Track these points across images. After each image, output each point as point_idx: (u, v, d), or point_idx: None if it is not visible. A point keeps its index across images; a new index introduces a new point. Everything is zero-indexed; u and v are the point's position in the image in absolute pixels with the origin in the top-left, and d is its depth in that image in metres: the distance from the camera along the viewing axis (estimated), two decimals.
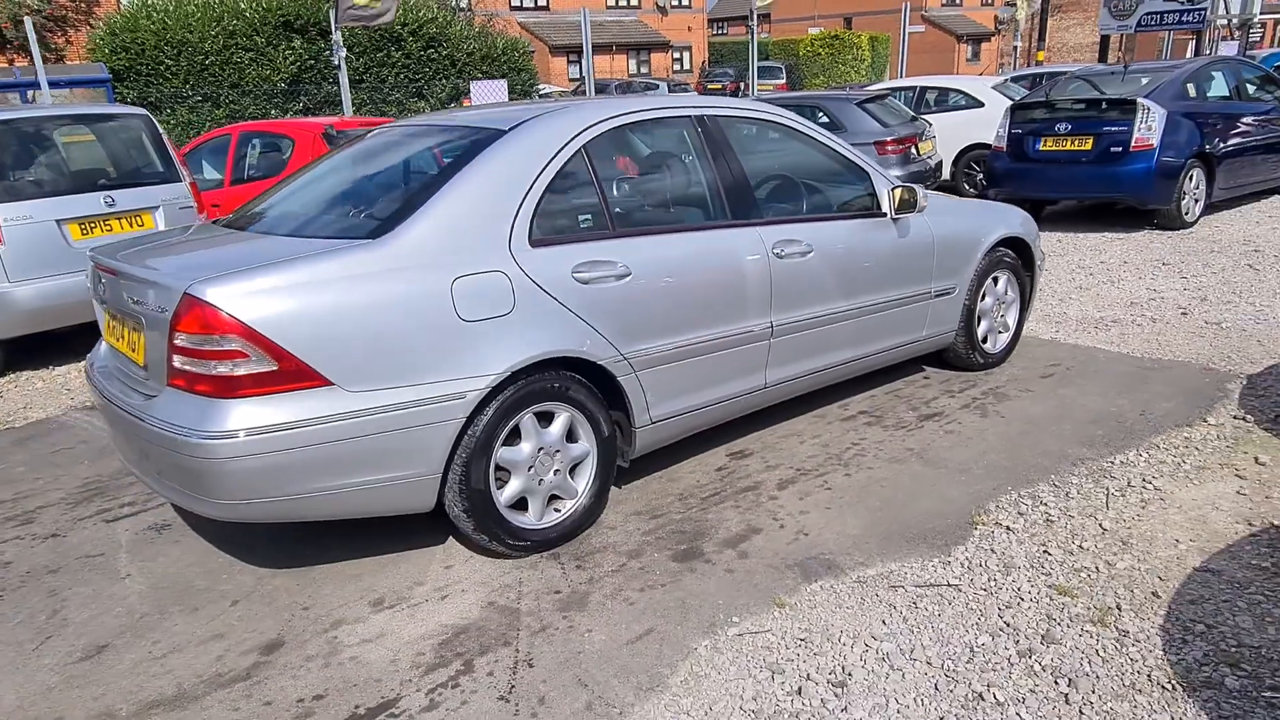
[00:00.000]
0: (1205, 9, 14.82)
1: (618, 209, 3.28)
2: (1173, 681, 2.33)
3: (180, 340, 2.58)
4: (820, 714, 2.27)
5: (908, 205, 3.98)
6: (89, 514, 3.60)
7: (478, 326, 2.82)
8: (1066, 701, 2.28)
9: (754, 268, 3.50)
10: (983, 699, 2.30)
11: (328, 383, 2.61)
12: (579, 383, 3.07)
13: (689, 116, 3.53)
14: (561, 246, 3.04)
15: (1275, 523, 3.12)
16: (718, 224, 3.47)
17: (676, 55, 39.90)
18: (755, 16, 13.90)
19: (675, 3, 39.99)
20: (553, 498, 3.12)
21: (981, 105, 11.39)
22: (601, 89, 28.85)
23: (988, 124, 10.70)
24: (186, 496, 2.70)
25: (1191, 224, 8.64)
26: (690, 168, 3.50)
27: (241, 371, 2.53)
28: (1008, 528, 3.16)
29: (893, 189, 4.00)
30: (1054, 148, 8.68)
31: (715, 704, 2.32)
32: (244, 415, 2.54)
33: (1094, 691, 2.31)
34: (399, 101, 20.40)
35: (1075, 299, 6.27)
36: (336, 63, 10.26)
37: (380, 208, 3.08)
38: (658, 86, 29.36)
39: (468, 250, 2.86)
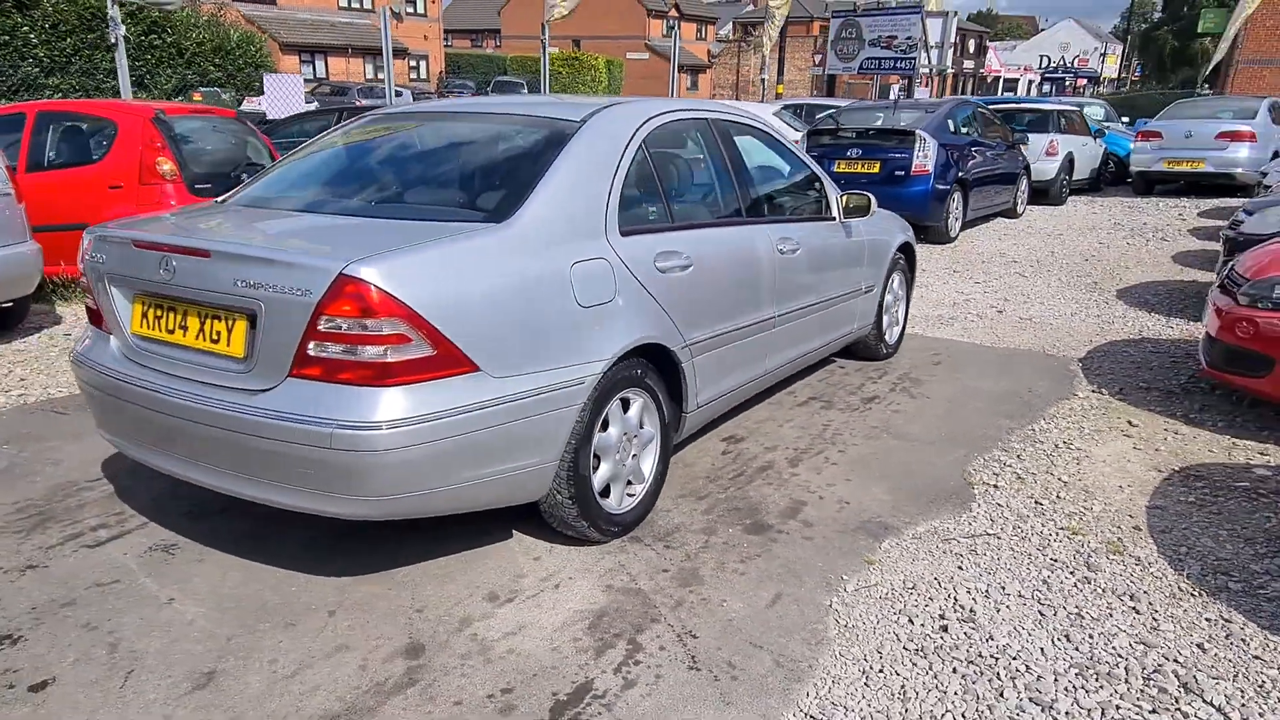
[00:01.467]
0: (915, 59, 17.24)
1: (673, 202, 3.41)
2: (1197, 590, 2.92)
3: (327, 325, 2.38)
4: (972, 642, 2.59)
5: (861, 210, 4.45)
6: (56, 541, 3.07)
7: (591, 311, 2.84)
8: (1137, 612, 2.78)
9: (767, 262, 3.77)
10: (1082, 616, 2.74)
11: (475, 368, 2.52)
12: (652, 369, 3.16)
13: (706, 119, 3.74)
14: (641, 236, 3.12)
15: (1175, 467, 3.92)
16: (741, 220, 3.71)
17: (413, 63, 38.94)
18: (547, 30, 14.12)
19: (410, 10, 39.06)
20: (625, 482, 3.19)
21: None
22: (341, 92, 27.54)
23: None
24: (319, 497, 2.47)
25: (954, 239, 10.11)
26: (716, 166, 3.71)
27: (399, 357, 2.39)
28: (996, 486, 3.68)
29: (840, 195, 4.46)
30: (847, 169, 9.77)
31: (881, 648, 2.56)
32: (401, 404, 2.39)
33: (1152, 602, 2.83)
34: (115, 90, 18.25)
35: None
36: (113, 40, 9.07)
37: (481, 190, 2.99)
38: (402, 94, 28.50)
39: (579, 236, 2.88)
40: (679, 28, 21.14)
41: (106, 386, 2.88)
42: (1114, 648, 2.58)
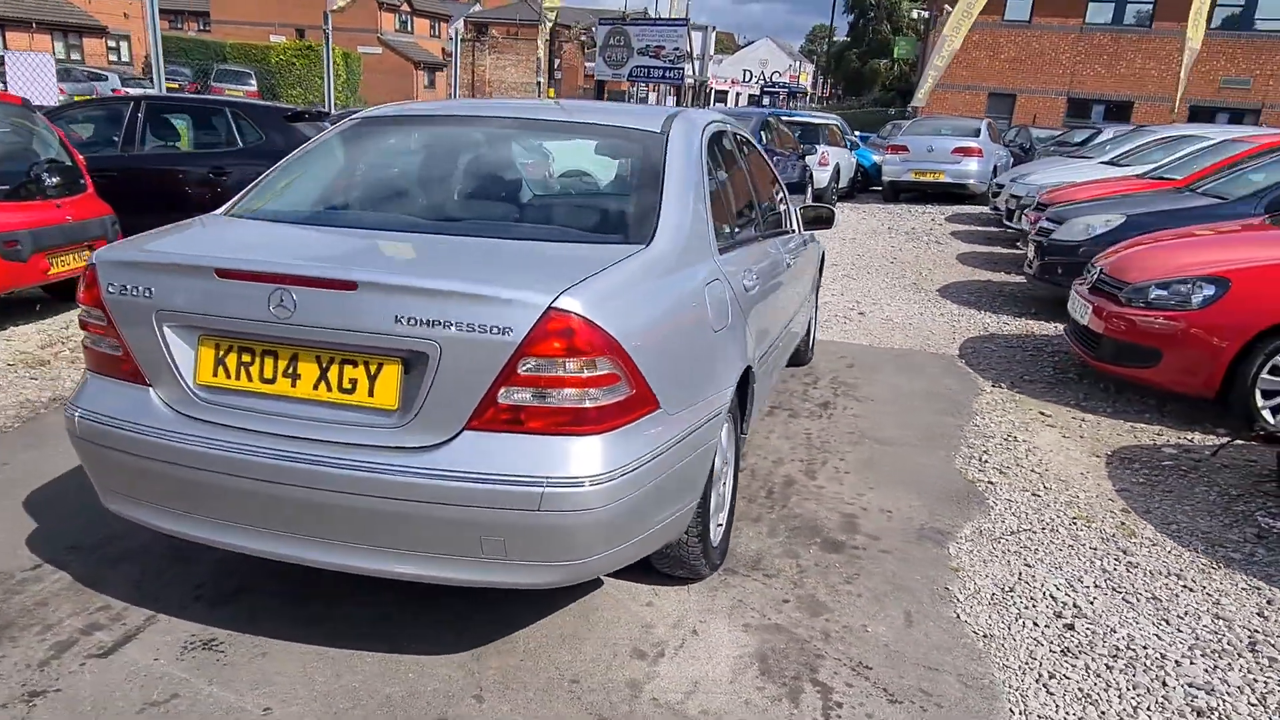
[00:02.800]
0: (683, 69, 17.99)
1: (732, 217, 3.28)
2: (1215, 564, 3.29)
3: (528, 367, 2.02)
4: (1100, 637, 2.74)
5: (825, 222, 4.54)
6: (46, 655, 2.37)
7: (720, 336, 2.67)
8: (1191, 590, 3.08)
9: (783, 277, 3.75)
10: (1159, 599, 2.99)
11: (657, 406, 2.26)
12: (736, 394, 3.04)
13: (728, 127, 3.63)
14: (730, 254, 2.98)
15: (1105, 452, 4.40)
16: (763, 234, 3.65)
17: (113, 44, 34.33)
18: (329, 18, 12.97)
19: None
20: None
21: None
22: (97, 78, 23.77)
23: None
24: (503, 567, 2.12)
25: None
26: (742, 178, 3.61)
27: (607, 400, 2.10)
28: (991, 482, 3.93)
29: (799, 208, 4.54)
30: None
31: (1033, 654, 2.64)
32: (609, 453, 2.11)
33: (1196, 579, 3.15)
34: None
35: None
36: None
37: (604, 209, 2.69)
38: (106, 78, 25.10)
39: (700, 256, 2.68)
40: (412, 22, 20.44)
41: (147, 449, 2.27)
42: (1205, 626, 2.85)
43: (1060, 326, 6.47)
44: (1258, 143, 8.18)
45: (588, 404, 2.09)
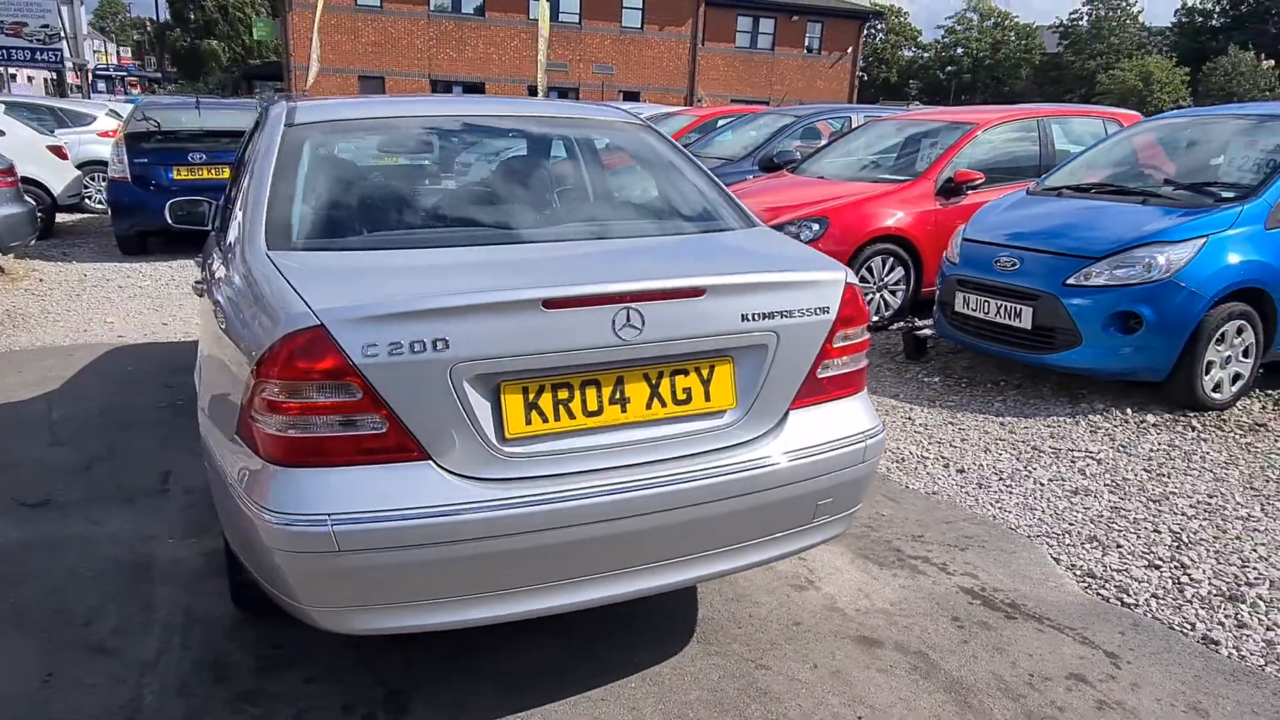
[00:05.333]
0: (60, 50, 15.06)
1: None
2: (905, 395, 4.78)
3: (840, 340, 2.39)
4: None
5: None
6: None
7: None
8: (896, 406, 4.49)
9: None
10: (884, 406, 4.32)
11: None
12: None
13: None
14: None
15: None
16: None
17: None
18: None
19: None
20: None
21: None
22: None
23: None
24: (820, 529, 2.44)
25: None
26: None
27: (865, 363, 2.54)
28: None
29: None
30: (190, 176, 8.79)
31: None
32: (870, 405, 2.53)
33: (895, 404, 4.58)
34: None
35: None
36: None
37: (676, 199, 2.91)
38: None
39: None
40: None
41: (444, 533, 1.93)
42: (897, 423, 4.26)
43: None
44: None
45: (863, 364, 2.47)
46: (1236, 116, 5.92)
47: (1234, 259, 4.70)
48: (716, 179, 3.05)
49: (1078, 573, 3.15)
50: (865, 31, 40.34)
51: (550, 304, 2.00)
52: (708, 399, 2.21)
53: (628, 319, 2.05)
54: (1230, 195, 4.97)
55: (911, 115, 8.69)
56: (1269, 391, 5.13)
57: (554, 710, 2.35)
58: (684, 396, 2.19)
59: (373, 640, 2.59)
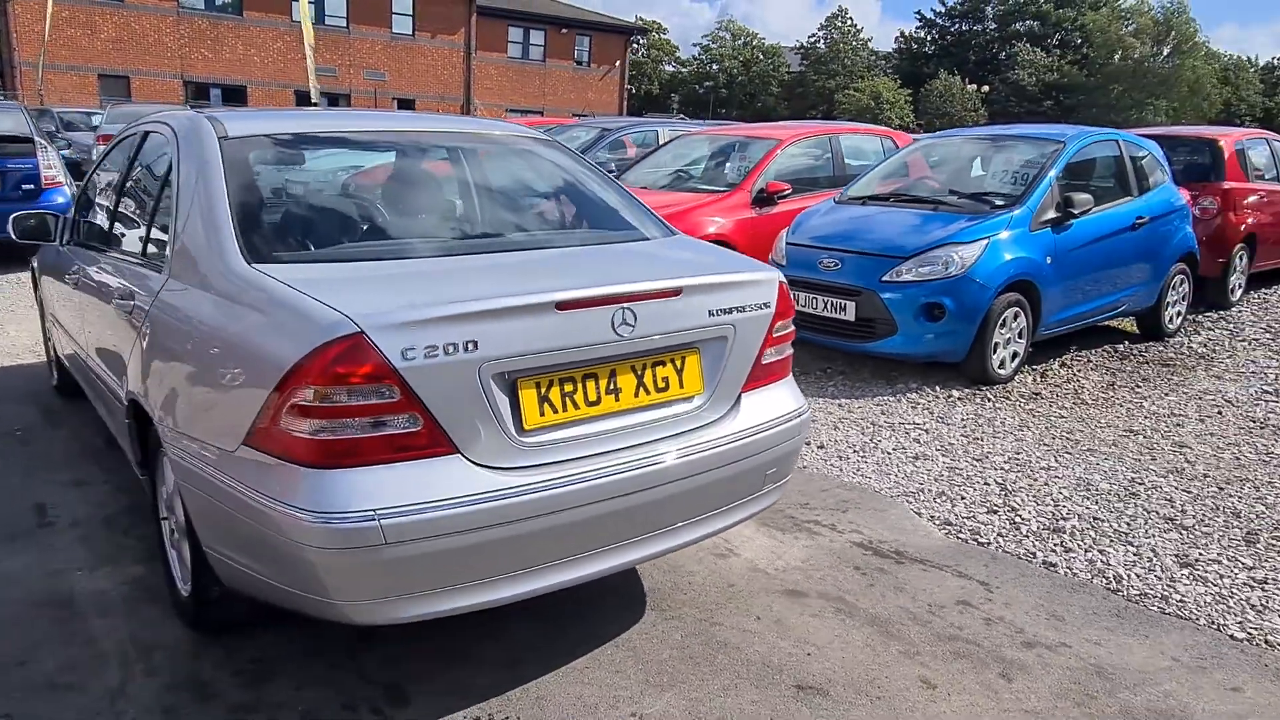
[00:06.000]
0: None
1: None
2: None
3: (778, 331, 2.78)
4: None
5: None
6: None
7: None
8: (820, 397, 5.07)
9: None
10: (823, 401, 4.89)
11: None
12: None
13: None
14: None
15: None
16: None
17: None
18: None
19: None
20: None
21: None
22: None
23: None
24: (770, 493, 2.81)
25: None
26: None
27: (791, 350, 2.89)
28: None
29: None
30: None
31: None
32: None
33: (819, 397, 5.15)
34: None
35: None
36: None
37: (595, 208, 3.34)
38: None
39: None
40: None
41: (478, 520, 2.11)
42: (830, 412, 4.87)
43: None
44: None
45: (789, 353, 2.87)
46: (994, 137, 7.02)
47: (1009, 256, 5.62)
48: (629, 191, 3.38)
49: (937, 522, 3.75)
50: (630, 46, 41.90)
51: (563, 305, 2.23)
52: (681, 386, 2.52)
53: (624, 317, 2.32)
54: (1001, 203, 5.93)
55: (719, 130, 9.37)
56: (1034, 366, 6.15)
57: (550, 680, 2.56)
58: (663, 385, 2.48)
59: (343, 646, 2.67)
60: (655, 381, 2.46)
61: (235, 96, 28.76)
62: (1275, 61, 63.33)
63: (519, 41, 36.31)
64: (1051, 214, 5.88)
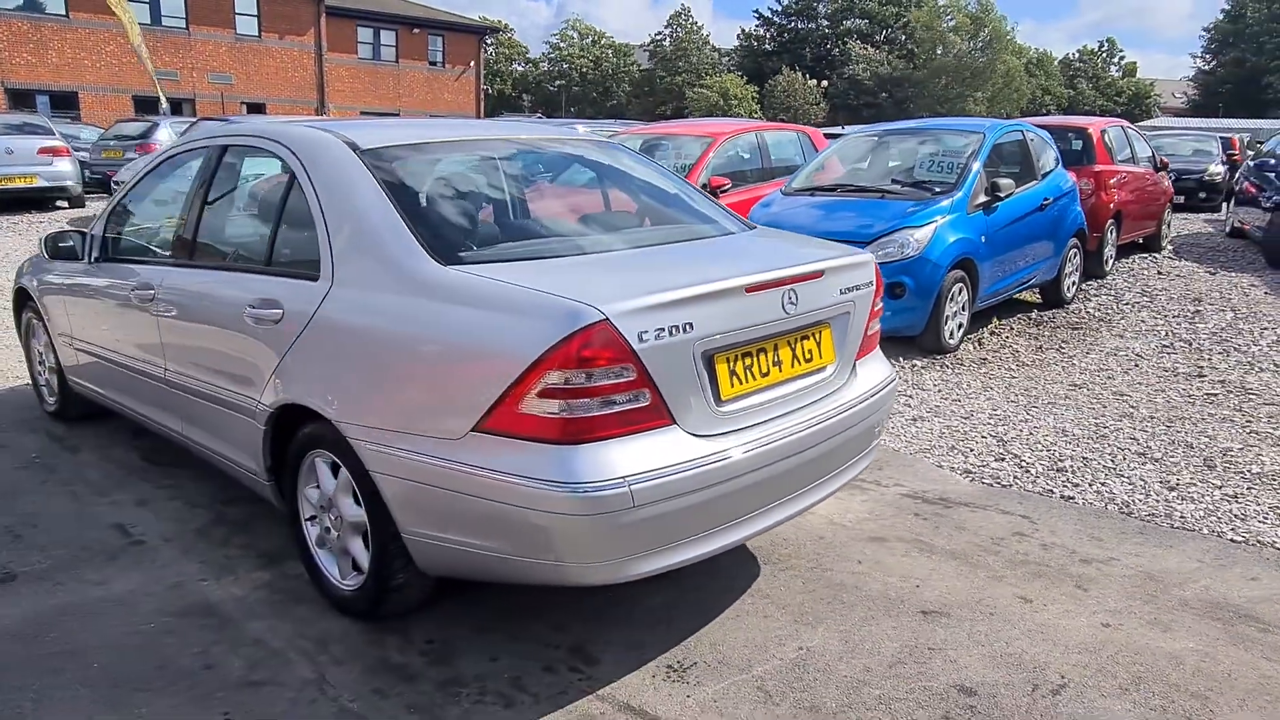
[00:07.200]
0: None
1: None
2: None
3: (879, 305, 3.05)
4: None
5: None
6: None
7: None
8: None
9: None
10: None
11: None
12: None
13: None
14: None
15: None
16: None
17: None
18: None
19: None
20: None
21: None
22: None
23: None
24: (876, 449, 3.15)
25: None
26: None
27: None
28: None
29: None
30: None
31: None
32: None
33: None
34: None
35: None
36: None
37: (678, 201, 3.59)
38: None
39: None
40: None
41: (700, 481, 2.38)
42: None
43: None
44: None
45: (879, 326, 3.25)
46: (916, 130, 7.68)
47: (953, 237, 6.24)
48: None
49: (959, 472, 4.24)
50: (483, 46, 41.57)
51: (750, 288, 2.51)
52: (820, 356, 2.85)
53: (790, 297, 2.63)
54: (939, 190, 6.55)
55: (649, 130, 9.69)
56: (969, 336, 6.82)
57: (713, 629, 2.83)
58: (808, 356, 2.80)
59: (508, 621, 2.84)
60: (803, 353, 2.78)
61: (65, 103, 26.71)
62: (1070, 56, 69.67)
63: (369, 42, 35.35)
64: (983, 198, 6.56)
